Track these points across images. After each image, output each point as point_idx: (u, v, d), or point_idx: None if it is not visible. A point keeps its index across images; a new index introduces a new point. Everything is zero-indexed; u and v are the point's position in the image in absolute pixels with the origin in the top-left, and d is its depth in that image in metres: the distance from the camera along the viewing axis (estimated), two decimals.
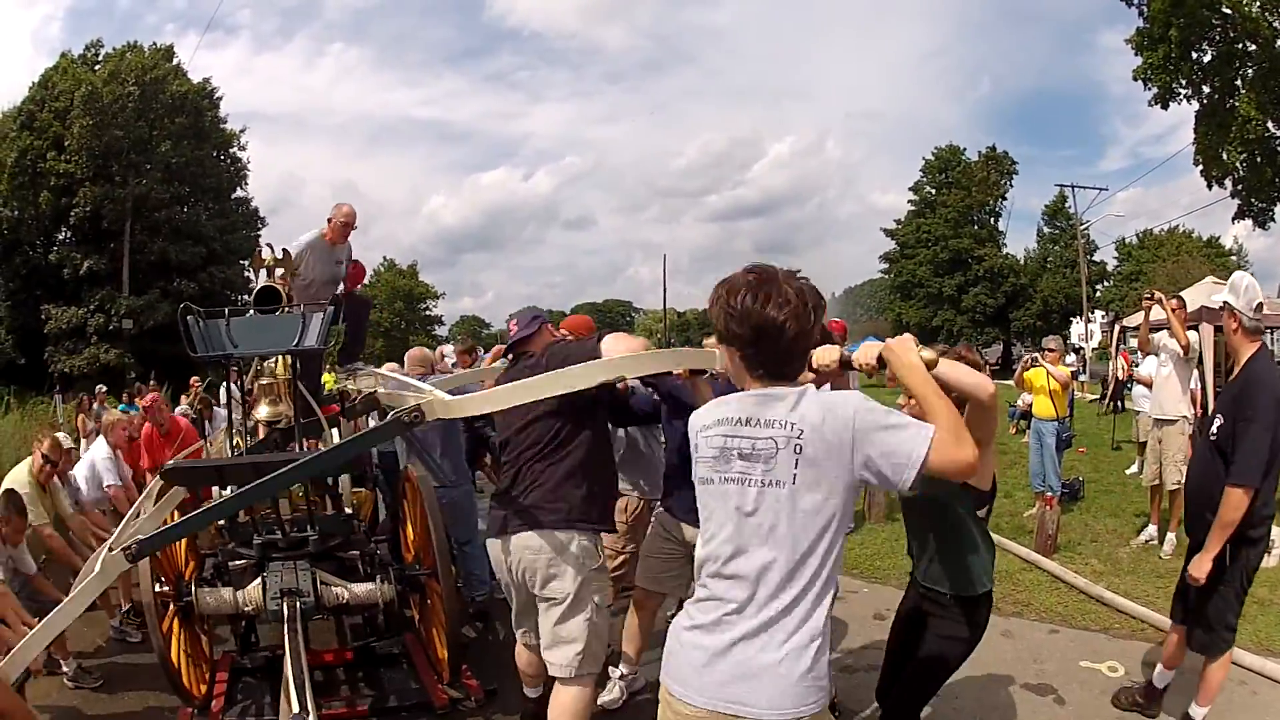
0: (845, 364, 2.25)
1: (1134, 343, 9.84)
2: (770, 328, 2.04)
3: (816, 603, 2.04)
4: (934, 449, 1.94)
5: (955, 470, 1.98)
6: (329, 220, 6.07)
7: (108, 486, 6.46)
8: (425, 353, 6.53)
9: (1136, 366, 11.04)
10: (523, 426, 3.60)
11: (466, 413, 3.49)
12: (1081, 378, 23.23)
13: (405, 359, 6.53)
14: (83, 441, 11.25)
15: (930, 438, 1.96)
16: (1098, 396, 21.12)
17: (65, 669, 4.95)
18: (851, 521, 2.09)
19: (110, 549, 3.77)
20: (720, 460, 2.13)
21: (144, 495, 5.40)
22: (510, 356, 4.10)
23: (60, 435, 6.03)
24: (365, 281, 6.88)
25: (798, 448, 2.01)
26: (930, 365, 2.16)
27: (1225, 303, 3.84)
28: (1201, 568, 3.70)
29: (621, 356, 3.32)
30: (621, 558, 4.93)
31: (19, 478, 5.52)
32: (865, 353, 2.24)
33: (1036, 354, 8.73)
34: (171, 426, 7.63)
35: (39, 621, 3.85)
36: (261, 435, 5.19)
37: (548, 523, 3.48)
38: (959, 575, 3.07)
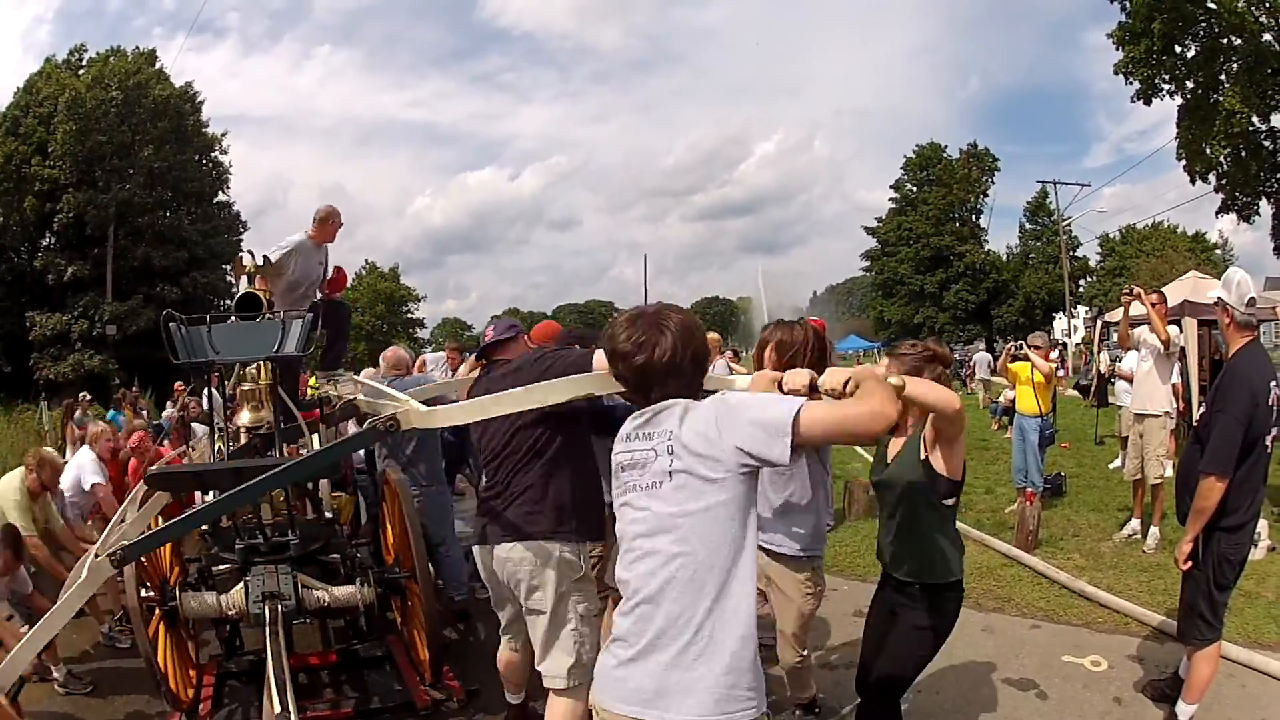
0: (813, 387, 2.33)
1: (1115, 337, 9.86)
2: (627, 359, 2.23)
3: (735, 601, 2.06)
4: (803, 415, 2.00)
5: (849, 432, 2.06)
6: (314, 220, 6.12)
7: (94, 485, 6.35)
8: (401, 354, 6.49)
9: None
10: (505, 435, 3.55)
11: (442, 424, 3.42)
12: (1061, 374, 23.39)
13: (381, 360, 6.52)
14: (69, 448, 11.21)
15: (796, 407, 2.02)
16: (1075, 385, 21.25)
17: (56, 675, 4.94)
18: (757, 516, 2.16)
19: (96, 555, 3.75)
20: (615, 478, 2.27)
21: (128, 501, 5.34)
22: (484, 364, 3.99)
23: (50, 451, 5.94)
24: (348, 285, 6.87)
25: (670, 449, 2.11)
26: (899, 390, 2.28)
27: (1218, 298, 3.96)
28: (1181, 551, 3.87)
29: (595, 375, 3.22)
30: (593, 559, 4.93)
31: (9, 485, 5.48)
32: (833, 377, 2.31)
33: (1021, 341, 8.77)
34: (155, 459, 7.61)
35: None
36: (243, 441, 5.19)
37: (530, 533, 3.42)
38: (926, 563, 3.11)
